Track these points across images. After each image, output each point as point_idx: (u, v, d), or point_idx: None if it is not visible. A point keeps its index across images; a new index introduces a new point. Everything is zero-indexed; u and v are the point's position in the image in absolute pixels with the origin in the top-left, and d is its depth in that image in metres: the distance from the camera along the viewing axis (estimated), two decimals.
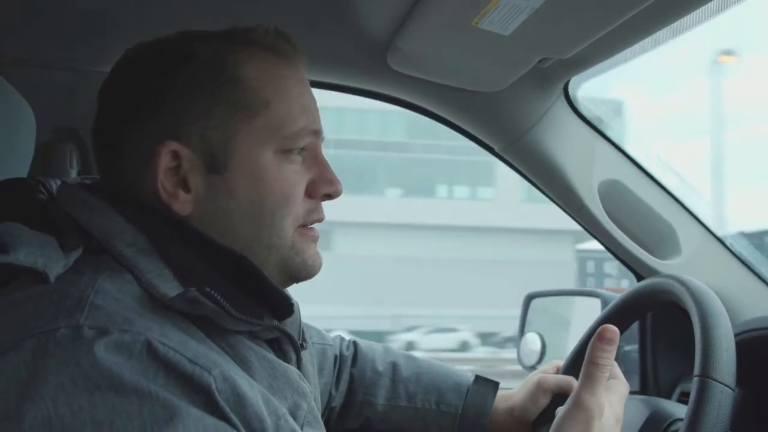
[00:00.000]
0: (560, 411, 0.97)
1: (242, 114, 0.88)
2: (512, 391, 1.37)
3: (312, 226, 0.95)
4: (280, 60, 0.93)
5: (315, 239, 0.96)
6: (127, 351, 0.70)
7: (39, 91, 1.24)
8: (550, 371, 1.37)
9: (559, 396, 1.30)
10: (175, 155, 0.86)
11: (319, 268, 0.96)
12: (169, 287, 0.78)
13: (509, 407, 1.33)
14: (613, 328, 0.97)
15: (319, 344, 1.35)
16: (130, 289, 0.78)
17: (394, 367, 1.38)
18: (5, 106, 1.09)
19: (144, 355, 0.70)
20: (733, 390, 1.02)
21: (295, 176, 0.91)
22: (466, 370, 1.41)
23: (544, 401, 1.30)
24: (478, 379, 1.36)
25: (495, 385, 1.35)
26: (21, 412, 0.66)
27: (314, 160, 0.94)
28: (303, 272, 0.94)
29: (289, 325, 0.91)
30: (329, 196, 0.95)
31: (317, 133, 0.94)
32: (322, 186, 0.94)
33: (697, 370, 1.04)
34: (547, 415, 1.30)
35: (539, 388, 1.31)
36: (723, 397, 1.00)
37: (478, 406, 1.32)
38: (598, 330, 0.98)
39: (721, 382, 1.01)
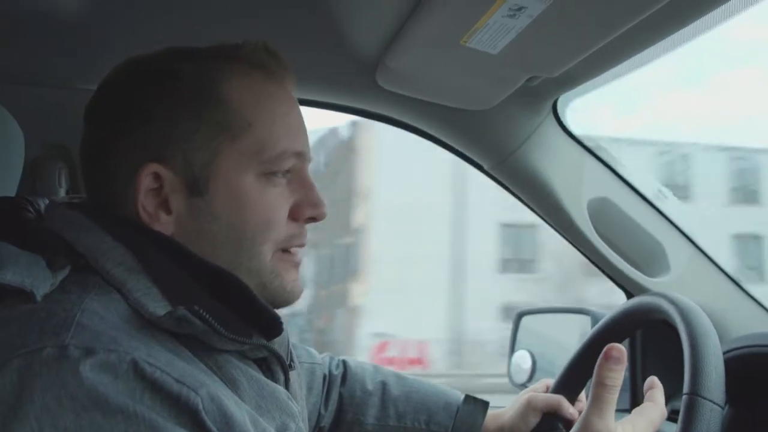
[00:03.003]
0: None
1: (224, 136, 0.87)
2: (502, 410, 1.36)
3: (293, 251, 0.94)
4: (266, 78, 0.92)
5: (296, 265, 0.95)
6: (113, 371, 0.69)
7: (28, 109, 1.23)
8: (540, 390, 1.36)
9: (549, 415, 1.30)
10: (157, 177, 0.86)
11: (299, 295, 0.95)
12: (158, 306, 0.78)
13: (499, 426, 1.33)
14: (620, 347, 0.95)
15: (308, 363, 1.35)
16: (117, 308, 0.77)
17: (384, 386, 1.37)
18: None
19: (130, 374, 0.70)
20: (722, 408, 1.02)
21: (277, 199, 0.90)
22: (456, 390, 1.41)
23: (534, 420, 1.30)
24: (468, 398, 1.35)
25: (485, 405, 1.35)
26: None
27: (300, 182, 0.93)
28: (281, 298, 0.93)
29: (277, 344, 0.91)
30: (313, 219, 0.94)
31: (301, 155, 0.93)
32: (307, 209, 0.93)
33: (686, 388, 1.04)
34: None
35: (529, 406, 1.31)
36: (712, 415, 1.00)
37: (468, 425, 1.32)
38: (604, 350, 0.95)
39: (710, 400, 1.01)
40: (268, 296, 0.91)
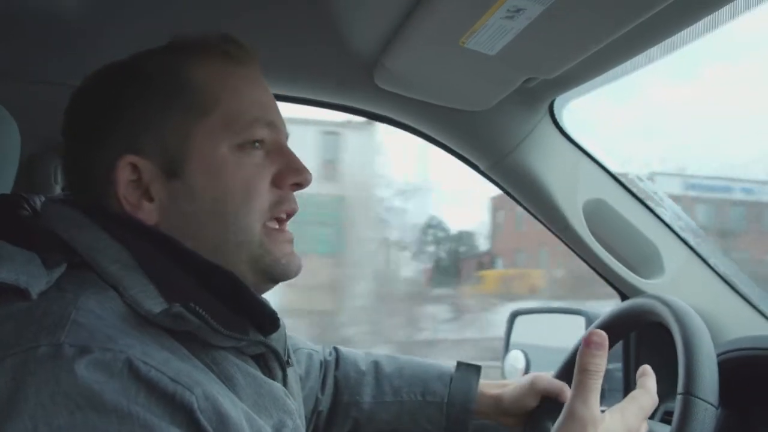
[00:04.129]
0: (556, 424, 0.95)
1: (193, 114, 0.88)
2: (505, 382, 1.37)
3: (283, 227, 0.94)
4: (227, 60, 0.93)
5: (288, 239, 0.95)
6: (108, 370, 0.69)
7: (24, 105, 1.23)
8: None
9: (546, 400, 1.30)
10: (134, 168, 0.87)
11: (297, 270, 0.95)
12: (154, 303, 0.78)
13: (497, 395, 1.33)
14: (600, 332, 0.94)
15: (306, 349, 1.35)
16: (113, 306, 0.77)
17: (377, 365, 1.38)
18: None
19: (125, 373, 0.70)
20: (717, 408, 1.03)
21: (256, 169, 0.91)
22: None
23: (531, 401, 1.31)
24: (460, 365, 1.36)
25: (477, 369, 1.35)
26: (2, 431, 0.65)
27: (278, 152, 0.94)
28: (277, 271, 0.93)
29: (274, 341, 0.91)
30: (299, 185, 0.95)
31: (273, 125, 0.94)
32: (290, 175, 0.93)
33: (680, 388, 1.05)
34: (534, 418, 1.30)
35: (531, 387, 1.31)
36: (706, 414, 1.01)
37: (463, 391, 1.32)
38: (584, 336, 0.95)
39: (704, 400, 1.02)
40: (263, 270, 0.92)
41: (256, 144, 0.91)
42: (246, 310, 0.86)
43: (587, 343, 0.94)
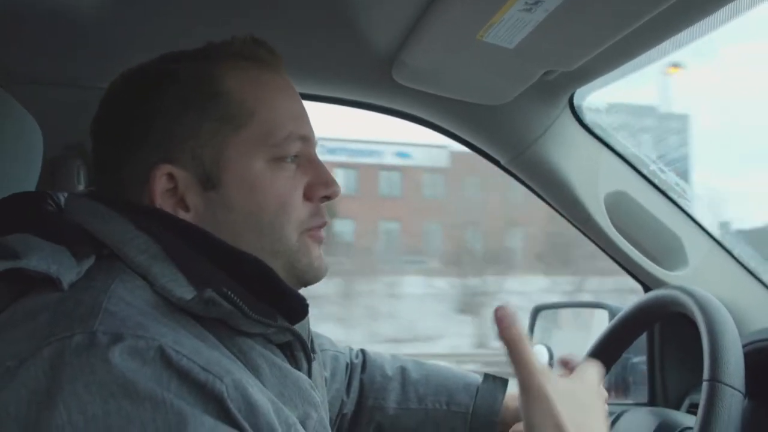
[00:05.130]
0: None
1: (229, 127, 0.88)
2: None
3: (316, 234, 0.95)
4: (260, 68, 0.93)
5: (319, 241, 0.96)
6: (141, 357, 0.70)
7: (46, 108, 1.24)
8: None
9: None
10: (170, 177, 0.87)
11: (325, 272, 0.96)
12: (185, 291, 0.79)
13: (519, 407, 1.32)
14: (502, 305, 0.88)
15: (332, 351, 1.36)
16: (143, 294, 0.78)
17: (403, 371, 1.37)
18: (12, 124, 1.09)
19: (158, 361, 0.70)
20: (743, 394, 1.02)
21: (289, 182, 0.91)
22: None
23: None
24: (487, 377, 1.35)
25: (504, 382, 1.34)
26: (39, 422, 0.66)
27: (309, 164, 0.94)
28: (310, 274, 0.94)
29: (299, 330, 0.91)
30: (328, 198, 0.95)
31: (306, 139, 0.94)
32: (320, 189, 0.94)
33: (706, 375, 1.05)
34: None
35: None
36: (733, 400, 1.01)
37: (488, 404, 1.31)
38: (494, 315, 0.88)
39: (730, 386, 1.02)
40: (297, 274, 0.93)
41: (291, 159, 0.92)
42: (275, 297, 0.86)
43: (498, 320, 0.88)
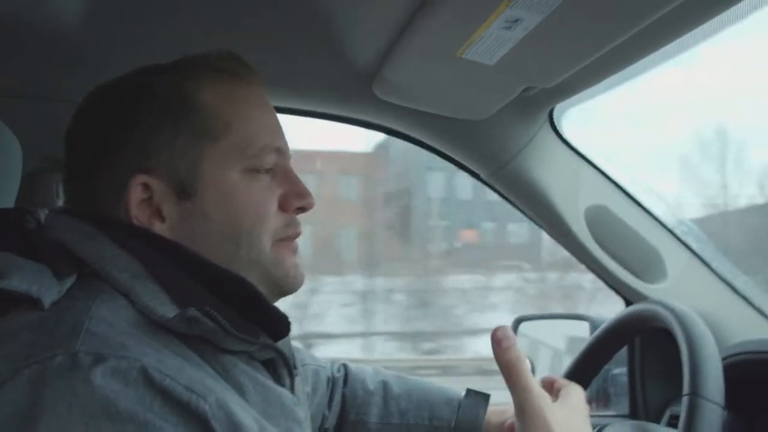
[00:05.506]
0: None
1: (205, 139, 0.89)
2: (508, 407, 1.36)
3: (290, 243, 0.96)
4: (236, 82, 0.94)
5: (294, 250, 0.96)
6: (123, 378, 0.69)
7: (25, 122, 1.23)
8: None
9: None
10: (146, 187, 0.87)
11: (302, 281, 0.96)
12: (167, 309, 0.78)
13: (503, 422, 1.32)
14: (502, 326, 0.91)
15: (313, 365, 1.35)
16: (124, 313, 0.77)
17: (385, 385, 1.37)
18: None
19: (140, 382, 0.70)
20: (723, 408, 1.03)
21: (264, 193, 0.92)
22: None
23: None
24: (469, 392, 1.35)
25: (486, 398, 1.34)
26: None
27: (284, 175, 0.95)
28: (287, 284, 0.94)
29: (281, 347, 0.91)
30: (302, 209, 0.96)
31: (281, 151, 0.95)
32: (294, 200, 0.94)
33: (686, 389, 1.05)
34: None
35: None
36: (713, 414, 1.01)
37: (471, 419, 1.31)
38: (492, 336, 0.91)
39: (710, 400, 1.02)
40: (275, 283, 0.93)
41: (264, 171, 0.92)
42: (257, 314, 0.86)
43: (497, 341, 0.90)
